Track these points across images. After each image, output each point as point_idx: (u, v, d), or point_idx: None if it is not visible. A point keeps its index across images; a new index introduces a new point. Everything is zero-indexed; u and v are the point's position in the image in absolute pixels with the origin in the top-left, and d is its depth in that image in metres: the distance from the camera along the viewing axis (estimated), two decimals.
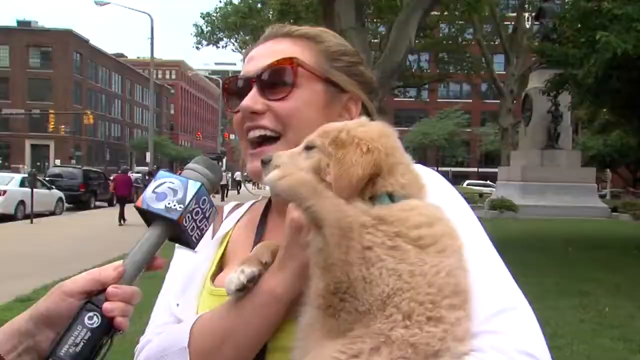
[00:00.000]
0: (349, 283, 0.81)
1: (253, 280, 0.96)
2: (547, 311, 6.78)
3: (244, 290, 0.95)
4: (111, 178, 24.95)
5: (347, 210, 0.83)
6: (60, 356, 0.82)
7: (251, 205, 1.30)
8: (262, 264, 0.97)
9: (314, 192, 0.83)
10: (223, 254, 1.18)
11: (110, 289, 0.86)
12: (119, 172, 23.05)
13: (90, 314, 0.84)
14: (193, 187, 0.91)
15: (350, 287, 0.81)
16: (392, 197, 0.89)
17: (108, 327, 0.85)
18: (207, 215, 0.93)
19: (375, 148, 0.88)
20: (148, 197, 0.90)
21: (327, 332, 0.84)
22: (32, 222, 18.96)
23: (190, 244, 0.93)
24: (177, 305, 1.11)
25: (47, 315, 0.86)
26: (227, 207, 1.30)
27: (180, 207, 0.89)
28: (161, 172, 0.94)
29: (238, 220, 1.24)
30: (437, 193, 1.02)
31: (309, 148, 0.94)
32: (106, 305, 0.84)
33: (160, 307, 1.15)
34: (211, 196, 0.96)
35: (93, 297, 0.86)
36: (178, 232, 0.91)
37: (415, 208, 0.88)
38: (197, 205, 0.91)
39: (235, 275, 0.95)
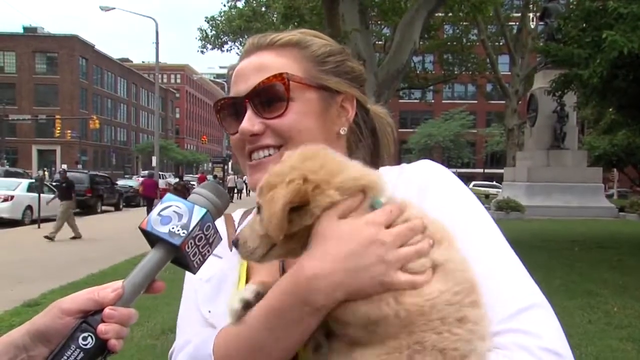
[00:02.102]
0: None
1: (258, 297, 0.93)
2: (555, 312, 6.76)
3: (249, 308, 0.92)
4: (139, 181, 30.26)
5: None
6: None
7: None
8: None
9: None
10: (247, 267, 1.16)
11: (107, 310, 0.85)
12: (146, 176, 27.81)
13: (85, 334, 0.84)
14: (198, 213, 0.91)
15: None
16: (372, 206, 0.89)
17: (101, 348, 0.84)
18: (210, 241, 0.93)
19: (296, 176, 0.86)
20: (153, 220, 0.90)
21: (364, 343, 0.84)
22: (39, 227, 19.05)
23: (191, 269, 0.93)
24: (210, 312, 1.10)
25: (45, 331, 0.86)
26: (236, 215, 1.28)
27: (183, 233, 0.89)
28: (168, 195, 0.94)
29: None
30: (445, 188, 1.03)
31: (259, 210, 0.92)
32: (101, 327, 0.84)
33: (188, 318, 1.14)
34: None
35: (89, 316, 0.85)
36: (180, 255, 0.91)
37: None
38: (200, 232, 0.91)
39: (239, 294, 0.93)
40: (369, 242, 0.84)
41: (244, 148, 1.13)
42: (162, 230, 0.89)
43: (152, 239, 0.91)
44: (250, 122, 1.09)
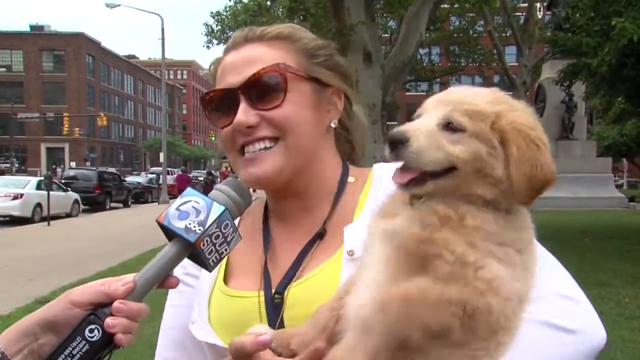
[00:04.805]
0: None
1: None
2: None
3: None
4: (174, 176, 34.55)
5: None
6: None
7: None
8: None
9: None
10: (227, 264, 1.17)
11: (116, 304, 0.85)
12: (180, 172, 32.04)
13: (92, 326, 0.83)
14: (217, 210, 0.89)
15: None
16: None
17: (108, 341, 0.83)
18: (228, 239, 0.91)
19: (542, 143, 0.81)
20: (171, 214, 0.89)
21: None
22: (49, 224, 19.16)
23: (207, 267, 0.91)
24: (193, 323, 1.12)
25: (54, 321, 0.85)
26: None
27: (199, 230, 0.87)
28: (189, 190, 0.93)
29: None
30: None
31: (453, 129, 0.81)
32: (108, 321, 0.83)
33: (163, 341, 1.21)
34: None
35: (98, 309, 0.85)
36: (196, 252, 0.89)
37: None
38: (218, 229, 0.89)
39: None
40: None
41: (235, 141, 1.11)
42: (178, 225, 0.87)
43: (169, 233, 0.89)
44: (245, 114, 1.07)
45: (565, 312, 0.89)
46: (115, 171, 36.83)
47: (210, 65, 1.19)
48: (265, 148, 1.08)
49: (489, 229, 0.80)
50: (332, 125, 1.15)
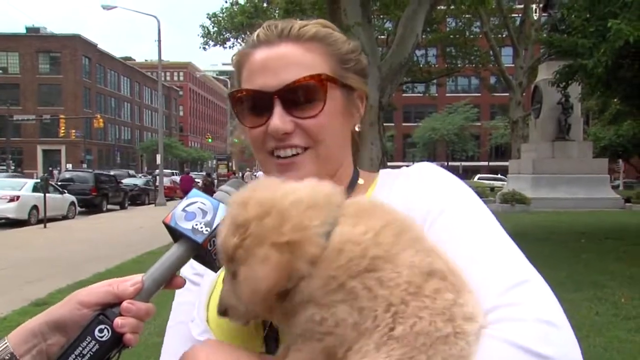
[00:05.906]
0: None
1: None
2: (562, 304, 6.75)
3: None
4: (178, 179, 38.37)
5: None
6: None
7: None
8: None
9: None
10: None
11: (125, 304, 0.86)
12: (183, 173, 35.40)
13: (101, 326, 0.84)
14: (223, 211, 0.90)
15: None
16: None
17: (117, 341, 0.85)
18: None
19: (267, 249, 0.77)
20: (177, 215, 0.90)
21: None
22: (45, 227, 19.12)
23: (213, 267, 0.92)
24: (192, 320, 1.12)
25: (62, 322, 0.86)
26: None
27: (206, 230, 0.88)
28: (194, 191, 0.93)
29: None
30: (439, 186, 1.03)
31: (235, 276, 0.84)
32: (118, 321, 0.84)
33: (173, 336, 1.18)
34: None
35: (107, 309, 0.86)
36: (202, 253, 0.90)
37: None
38: None
39: None
40: None
41: (266, 143, 1.09)
42: (185, 226, 0.89)
43: (175, 234, 0.90)
44: (281, 119, 1.05)
45: (541, 336, 0.85)
46: (111, 173, 36.87)
47: (233, 56, 1.16)
48: (297, 154, 1.07)
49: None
50: (356, 129, 1.15)
